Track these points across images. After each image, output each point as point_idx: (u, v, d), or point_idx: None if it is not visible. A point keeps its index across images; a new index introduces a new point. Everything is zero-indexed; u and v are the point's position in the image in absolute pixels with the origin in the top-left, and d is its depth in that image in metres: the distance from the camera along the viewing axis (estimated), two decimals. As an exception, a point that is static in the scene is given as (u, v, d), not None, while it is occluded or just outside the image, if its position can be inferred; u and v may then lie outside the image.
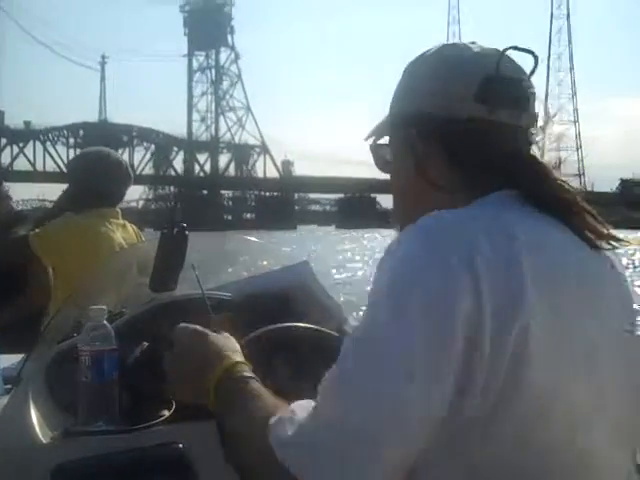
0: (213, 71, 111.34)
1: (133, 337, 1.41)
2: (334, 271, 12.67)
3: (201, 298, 1.25)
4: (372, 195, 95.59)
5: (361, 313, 0.86)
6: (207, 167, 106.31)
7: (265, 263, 1.96)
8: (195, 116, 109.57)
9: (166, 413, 1.33)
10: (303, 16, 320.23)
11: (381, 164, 1.09)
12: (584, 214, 0.95)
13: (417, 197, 1.01)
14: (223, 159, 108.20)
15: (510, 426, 0.82)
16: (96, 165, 2.84)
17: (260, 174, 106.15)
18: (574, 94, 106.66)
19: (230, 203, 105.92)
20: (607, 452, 0.89)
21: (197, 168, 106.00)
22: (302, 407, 0.88)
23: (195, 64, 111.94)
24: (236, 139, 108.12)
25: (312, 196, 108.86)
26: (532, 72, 1.01)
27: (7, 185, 3.60)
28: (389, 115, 1.06)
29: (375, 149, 1.09)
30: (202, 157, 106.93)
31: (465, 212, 0.90)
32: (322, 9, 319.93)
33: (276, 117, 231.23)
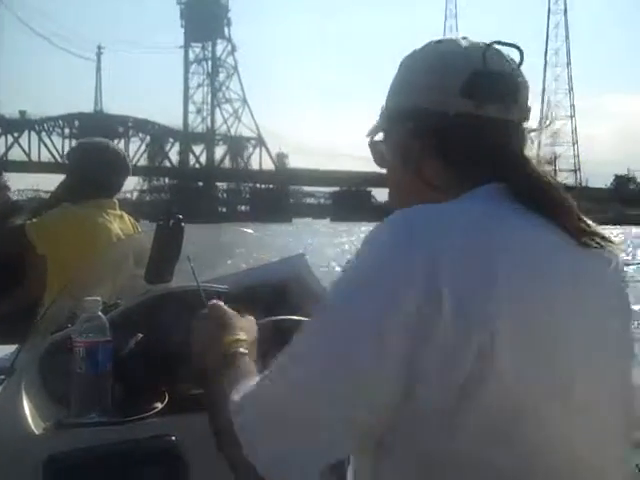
0: (209, 63, 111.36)
1: (128, 329, 1.41)
2: (333, 263, 12.64)
3: (197, 290, 1.24)
4: (367, 189, 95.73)
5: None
6: (203, 159, 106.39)
7: (262, 256, 1.96)
8: (191, 108, 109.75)
9: (159, 405, 1.33)
10: (300, 8, 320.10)
11: (379, 160, 1.09)
12: (570, 211, 0.93)
13: (412, 193, 1.00)
14: (219, 151, 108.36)
15: (476, 420, 0.81)
16: (95, 155, 2.84)
17: (256, 166, 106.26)
18: (571, 89, 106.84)
19: (225, 195, 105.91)
20: (595, 453, 0.88)
21: (192, 160, 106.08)
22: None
23: (191, 56, 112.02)
24: (232, 131, 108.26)
25: (306, 189, 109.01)
26: (519, 66, 1.00)
27: (6, 175, 3.58)
28: (385, 109, 1.06)
29: (373, 145, 1.09)
30: (198, 149, 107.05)
31: (450, 207, 0.89)
32: (320, 1, 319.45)
33: (272, 109, 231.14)
